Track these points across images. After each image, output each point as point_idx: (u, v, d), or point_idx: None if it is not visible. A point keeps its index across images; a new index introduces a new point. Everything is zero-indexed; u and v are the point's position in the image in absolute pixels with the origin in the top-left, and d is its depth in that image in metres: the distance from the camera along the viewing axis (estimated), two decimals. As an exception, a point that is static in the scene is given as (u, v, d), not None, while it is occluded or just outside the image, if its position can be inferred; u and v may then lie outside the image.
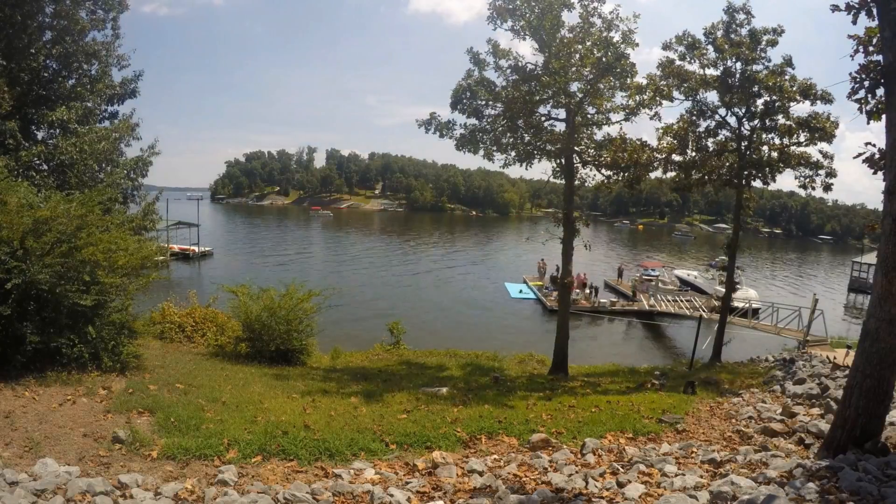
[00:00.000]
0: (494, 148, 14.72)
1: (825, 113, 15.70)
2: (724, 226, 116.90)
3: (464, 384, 11.81)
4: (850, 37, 5.88)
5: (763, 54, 15.92)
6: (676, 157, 16.83)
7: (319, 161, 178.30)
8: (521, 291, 34.97)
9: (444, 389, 10.45)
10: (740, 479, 4.21)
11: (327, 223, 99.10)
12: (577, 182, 14.62)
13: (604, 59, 13.42)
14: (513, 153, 14.70)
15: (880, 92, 5.51)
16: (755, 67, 15.91)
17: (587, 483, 4.57)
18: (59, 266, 7.18)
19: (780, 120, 16.07)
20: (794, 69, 15.95)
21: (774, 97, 15.75)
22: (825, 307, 20.67)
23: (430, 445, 6.17)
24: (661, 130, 16.57)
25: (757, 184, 17.33)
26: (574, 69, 13.33)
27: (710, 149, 17.09)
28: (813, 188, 16.35)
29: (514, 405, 8.89)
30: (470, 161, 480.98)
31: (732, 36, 15.99)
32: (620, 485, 4.54)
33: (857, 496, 3.78)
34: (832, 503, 3.73)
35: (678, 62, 16.30)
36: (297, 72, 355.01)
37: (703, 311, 26.35)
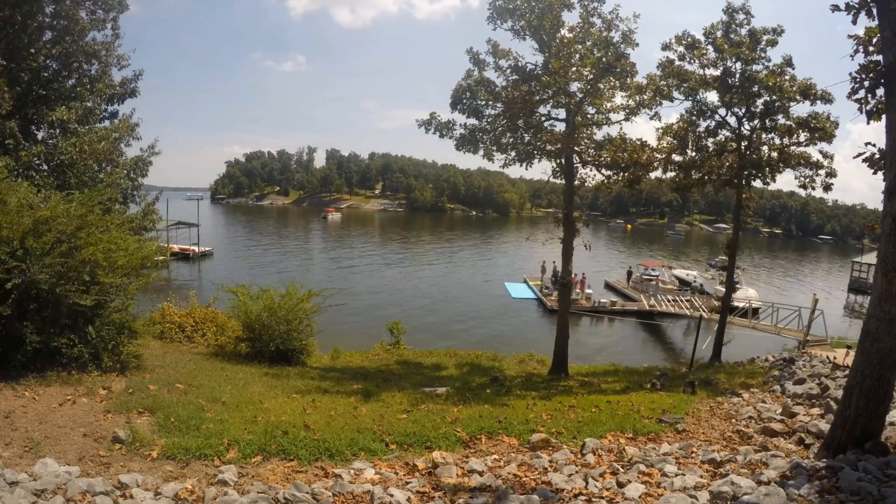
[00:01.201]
0: (494, 148, 14.73)
1: (825, 113, 15.75)
2: (724, 226, 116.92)
3: (463, 384, 11.80)
4: (850, 37, 5.87)
5: (763, 54, 15.92)
6: (676, 157, 16.88)
7: (319, 161, 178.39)
8: (526, 291, 34.85)
9: (444, 389, 10.45)
10: (740, 479, 4.20)
11: (336, 224, 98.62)
12: (577, 182, 14.63)
13: (604, 59, 13.42)
14: (513, 153, 14.71)
15: (880, 92, 5.50)
16: (755, 67, 15.92)
17: (587, 483, 4.57)
18: (59, 266, 7.17)
19: (780, 120, 16.09)
20: (793, 69, 15.99)
21: (774, 97, 15.75)
22: (825, 307, 20.69)
23: (430, 445, 6.16)
24: (661, 130, 16.62)
25: (757, 184, 17.37)
26: (574, 69, 13.32)
27: (710, 149, 17.12)
28: (813, 188, 16.38)
29: (514, 405, 8.88)
30: (470, 161, 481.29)
31: (732, 36, 16.00)
32: (620, 485, 4.54)
33: (857, 496, 3.78)
34: (832, 503, 3.73)
35: (678, 62, 16.32)
36: (297, 74, 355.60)
37: (703, 311, 26.37)
